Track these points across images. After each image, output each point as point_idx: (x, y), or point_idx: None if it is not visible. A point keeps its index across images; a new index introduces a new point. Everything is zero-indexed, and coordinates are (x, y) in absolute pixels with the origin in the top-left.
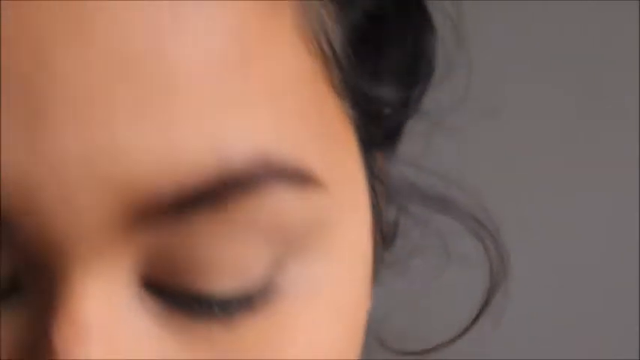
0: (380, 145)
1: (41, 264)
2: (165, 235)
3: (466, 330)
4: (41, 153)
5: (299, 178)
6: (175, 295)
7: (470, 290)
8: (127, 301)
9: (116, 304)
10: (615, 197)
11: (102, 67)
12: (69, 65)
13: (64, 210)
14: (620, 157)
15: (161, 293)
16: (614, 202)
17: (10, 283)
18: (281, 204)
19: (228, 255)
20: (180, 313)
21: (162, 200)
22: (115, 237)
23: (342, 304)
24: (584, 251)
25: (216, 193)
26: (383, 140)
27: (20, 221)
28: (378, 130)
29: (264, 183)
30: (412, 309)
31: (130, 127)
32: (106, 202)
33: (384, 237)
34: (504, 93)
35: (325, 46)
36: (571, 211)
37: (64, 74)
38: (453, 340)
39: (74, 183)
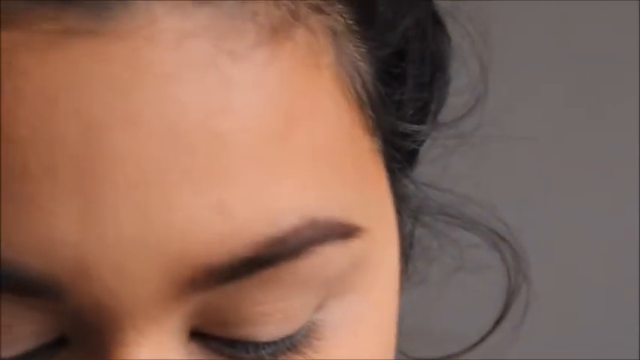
0: (402, 168)
1: (92, 326)
2: (215, 297)
3: (483, 338)
4: (96, 231)
5: (344, 232)
6: (222, 342)
7: (487, 298)
8: (176, 356)
9: None
10: (630, 207)
11: (154, 145)
12: (122, 146)
13: (118, 281)
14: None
15: (208, 341)
16: (629, 211)
17: (57, 338)
18: (327, 259)
19: (275, 308)
20: (226, 359)
21: (215, 270)
22: (166, 303)
23: (379, 332)
24: (599, 258)
25: (266, 260)
26: (404, 163)
27: (74, 291)
28: (400, 156)
29: (311, 245)
30: (428, 316)
31: (184, 203)
32: (159, 274)
33: (404, 251)
34: (516, 106)
35: (360, 90)
36: (585, 220)
37: (117, 156)
38: (471, 348)
39: (129, 257)
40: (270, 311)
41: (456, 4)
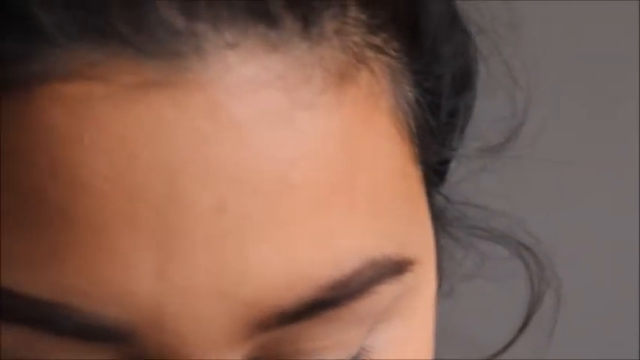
0: (435, 185)
1: None
2: (277, 334)
3: (507, 347)
4: (172, 281)
5: (399, 268)
6: None
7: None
8: None
9: None
10: None
11: (231, 196)
12: (200, 197)
13: (190, 328)
14: None
15: None
16: None
17: None
18: (384, 296)
19: (332, 341)
20: None
21: (283, 312)
22: (234, 344)
23: (420, 353)
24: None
25: (330, 301)
26: (438, 182)
27: (146, 338)
28: (436, 177)
29: (371, 285)
30: (455, 324)
31: (257, 251)
32: (231, 319)
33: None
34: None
35: (411, 122)
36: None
37: (195, 206)
38: (495, 355)
39: (203, 305)
40: (328, 345)
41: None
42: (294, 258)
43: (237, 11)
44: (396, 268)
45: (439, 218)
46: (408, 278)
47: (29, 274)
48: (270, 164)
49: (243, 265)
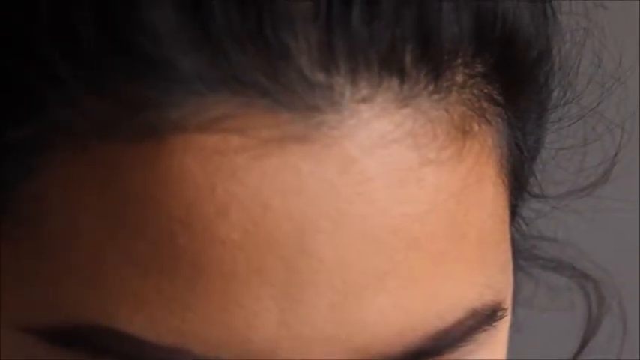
0: (511, 222)
1: None
2: None
3: None
4: (292, 330)
5: (495, 314)
6: None
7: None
8: None
9: None
10: None
11: (356, 249)
12: (328, 250)
13: None
14: None
15: None
16: None
17: None
18: (478, 342)
19: None
20: None
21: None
22: None
23: None
24: None
25: (431, 351)
26: (512, 218)
27: None
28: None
29: (469, 335)
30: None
31: (374, 302)
32: None
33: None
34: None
35: (510, 168)
36: None
37: (322, 259)
38: None
39: (317, 351)
40: None
41: None
42: (407, 309)
43: (372, 65)
44: (493, 314)
45: (514, 251)
46: (500, 323)
47: (150, 320)
48: (397, 220)
49: (361, 315)
